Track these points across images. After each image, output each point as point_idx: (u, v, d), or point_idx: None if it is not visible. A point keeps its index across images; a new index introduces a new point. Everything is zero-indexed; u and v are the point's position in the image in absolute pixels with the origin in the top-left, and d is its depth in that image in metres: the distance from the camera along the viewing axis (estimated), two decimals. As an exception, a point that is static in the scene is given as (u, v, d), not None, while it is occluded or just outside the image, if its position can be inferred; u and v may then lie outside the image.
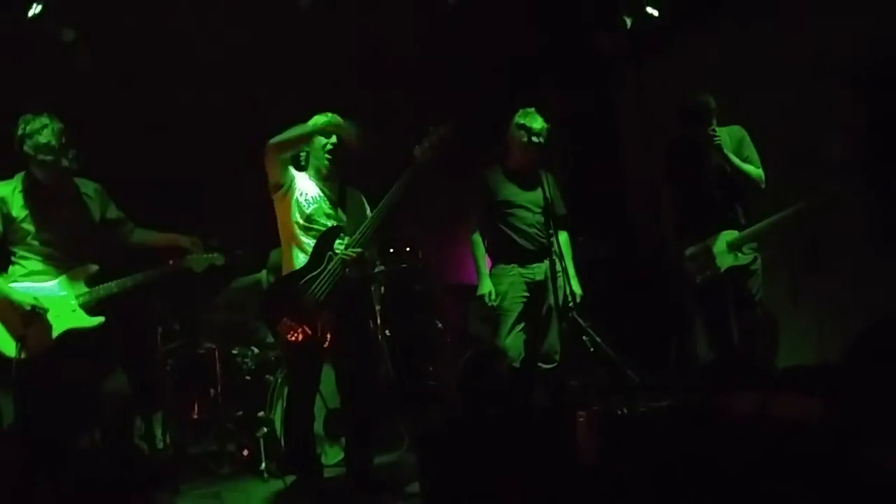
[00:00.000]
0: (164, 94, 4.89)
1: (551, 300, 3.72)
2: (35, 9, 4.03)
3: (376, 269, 4.92)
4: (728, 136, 3.74)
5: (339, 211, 3.28)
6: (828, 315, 4.04)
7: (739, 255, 3.65)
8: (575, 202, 4.14)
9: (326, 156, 3.24)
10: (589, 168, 5.69)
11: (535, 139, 3.67)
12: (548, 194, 3.62)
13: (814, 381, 2.32)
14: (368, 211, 3.41)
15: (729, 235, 3.67)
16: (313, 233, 3.18)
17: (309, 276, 3.07)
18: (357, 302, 3.39)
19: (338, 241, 3.16)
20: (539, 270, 3.80)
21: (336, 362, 3.36)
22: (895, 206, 4.00)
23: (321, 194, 3.25)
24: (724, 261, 3.66)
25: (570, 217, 4.03)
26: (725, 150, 3.63)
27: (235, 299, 4.66)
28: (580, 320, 4.43)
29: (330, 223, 3.21)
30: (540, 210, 3.77)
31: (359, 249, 3.13)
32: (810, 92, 4.31)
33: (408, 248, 5.99)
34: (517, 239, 3.80)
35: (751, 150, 3.74)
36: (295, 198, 3.20)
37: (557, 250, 3.70)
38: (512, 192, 3.83)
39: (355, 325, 3.31)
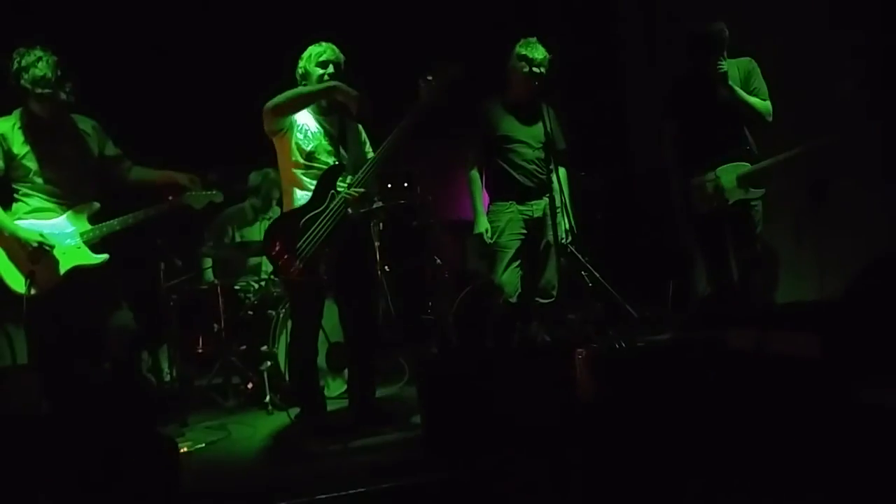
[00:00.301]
0: (157, 28, 4.77)
1: (549, 236, 3.72)
2: None
3: (375, 205, 4.92)
4: (737, 67, 3.65)
5: (340, 148, 3.24)
6: (829, 254, 4.03)
7: (750, 189, 3.60)
8: (576, 135, 4.08)
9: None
10: (591, 100, 5.63)
11: (536, 69, 3.59)
12: (548, 128, 3.57)
13: (813, 318, 2.36)
14: (368, 145, 3.38)
15: (740, 168, 3.61)
16: (314, 171, 3.15)
17: (311, 215, 3.06)
18: (358, 239, 3.39)
19: (340, 180, 3.14)
20: (538, 207, 3.78)
21: (338, 298, 3.40)
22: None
23: (321, 129, 3.20)
24: (734, 194, 3.60)
25: (571, 151, 3.98)
26: (730, 82, 3.56)
27: (222, 231, 4.68)
28: (578, 255, 4.48)
29: (331, 161, 3.17)
30: (540, 145, 3.73)
31: (361, 189, 3.12)
32: (818, 21, 4.20)
33: (405, 184, 5.97)
34: (516, 175, 3.75)
35: (759, 83, 3.64)
36: (295, 136, 3.16)
37: (557, 186, 3.68)
38: (511, 126, 3.76)
39: (357, 263, 3.33)
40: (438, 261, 5.49)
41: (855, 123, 3.77)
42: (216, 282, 4.34)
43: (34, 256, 3.01)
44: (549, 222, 3.73)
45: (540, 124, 3.62)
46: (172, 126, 4.77)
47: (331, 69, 3.16)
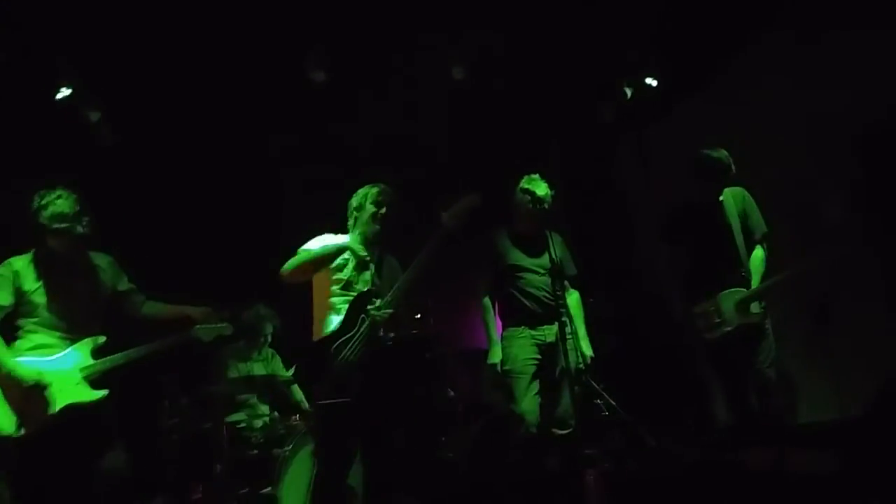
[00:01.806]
0: (177, 170, 5.03)
1: (563, 363, 3.64)
2: (64, 91, 4.26)
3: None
4: (731, 197, 3.75)
5: (377, 277, 3.33)
6: (842, 372, 3.95)
7: (749, 313, 3.60)
8: (584, 264, 4.13)
9: (376, 225, 3.34)
10: (597, 229, 5.73)
11: (539, 204, 3.70)
12: (554, 256, 3.61)
13: (831, 437, 2.23)
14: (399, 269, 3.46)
15: (737, 294, 3.62)
16: (350, 297, 3.23)
17: (341, 340, 3.10)
18: (389, 363, 3.33)
19: (370, 305, 3.19)
20: (550, 332, 3.75)
21: (365, 430, 3.26)
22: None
23: (359, 259, 3.31)
24: (735, 320, 3.60)
25: (581, 278, 4.01)
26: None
27: (224, 366, 4.65)
28: (593, 383, 4.36)
29: (366, 289, 3.26)
30: (547, 272, 3.76)
31: (390, 310, 3.17)
32: (810, 152, 4.37)
33: (419, 315, 5.96)
34: (526, 302, 3.78)
35: (756, 215, 3.75)
36: (335, 264, 3.27)
37: (567, 311, 3.67)
38: (519, 255, 3.84)
39: (386, 387, 3.26)
40: (452, 393, 5.37)
41: (848, 243, 3.81)
42: (220, 420, 4.21)
43: (28, 395, 2.96)
44: (562, 348, 3.67)
45: (546, 252, 3.68)
46: (176, 261, 4.86)
47: (384, 210, 3.35)
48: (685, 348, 5.05)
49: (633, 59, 5.21)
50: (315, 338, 3.26)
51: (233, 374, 4.66)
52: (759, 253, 3.71)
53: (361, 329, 3.11)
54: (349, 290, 3.25)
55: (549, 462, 3.74)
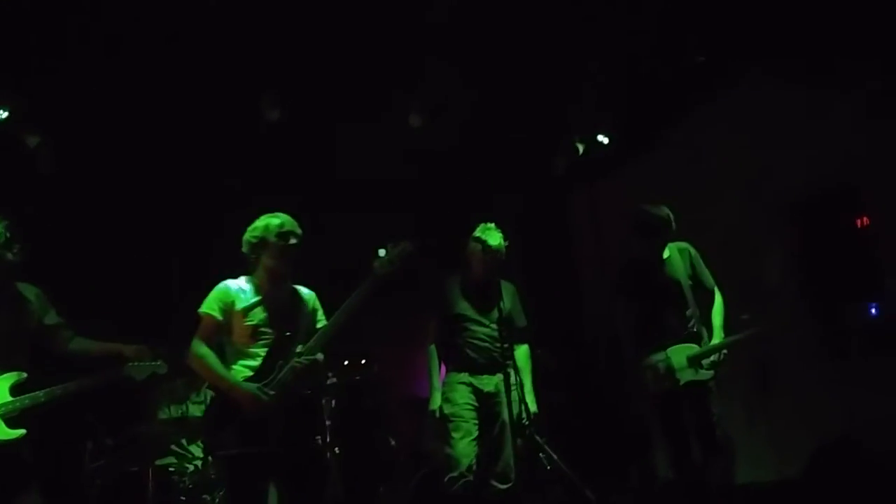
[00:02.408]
0: (115, 203, 4.89)
1: (505, 415, 3.60)
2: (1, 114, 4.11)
3: (329, 382, 4.78)
4: (678, 251, 3.83)
5: (289, 317, 3.15)
6: (780, 433, 4.02)
7: (700, 370, 3.62)
8: (533, 315, 4.13)
9: (283, 260, 3.10)
10: (546, 282, 5.78)
11: (490, 254, 3.71)
12: (503, 307, 3.60)
13: (770, 497, 2.24)
14: (321, 313, 3.31)
15: (689, 350, 3.65)
16: (261, 343, 3.04)
17: (258, 386, 2.88)
18: (307, 414, 3.21)
19: (290, 351, 2.99)
20: (490, 382, 3.72)
21: (281, 479, 3.13)
22: (834, 325, 4.13)
23: (269, 299, 3.10)
24: (685, 375, 3.61)
25: (531, 330, 4.00)
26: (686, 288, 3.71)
27: (156, 406, 4.46)
28: (537, 437, 4.33)
29: (279, 331, 3.07)
30: (494, 324, 3.74)
31: (312, 357, 2.98)
32: (749, 215, 4.53)
33: (363, 361, 5.86)
34: (469, 352, 3.75)
35: (703, 269, 3.82)
36: (239, 309, 3.04)
37: (514, 364, 3.65)
38: (466, 306, 3.82)
39: (304, 439, 3.13)
40: (393, 442, 5.25)
41: (792, 311, 3.93)
42: (147, 463, 4.01)
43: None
44: (504, 400, 3.63)
45: (496, 303, 3.67)
46: (110, 297, 4.68)
47: (293, 241, 3.11)
48: (631, 402, 5.08)
49: (586, 117, 5.37)
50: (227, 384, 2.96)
51: (165, 415, 4.46)
52: (718, 303, 3.75)
53: (279, 376, 2.92)
54: (259, 337, 3.02)
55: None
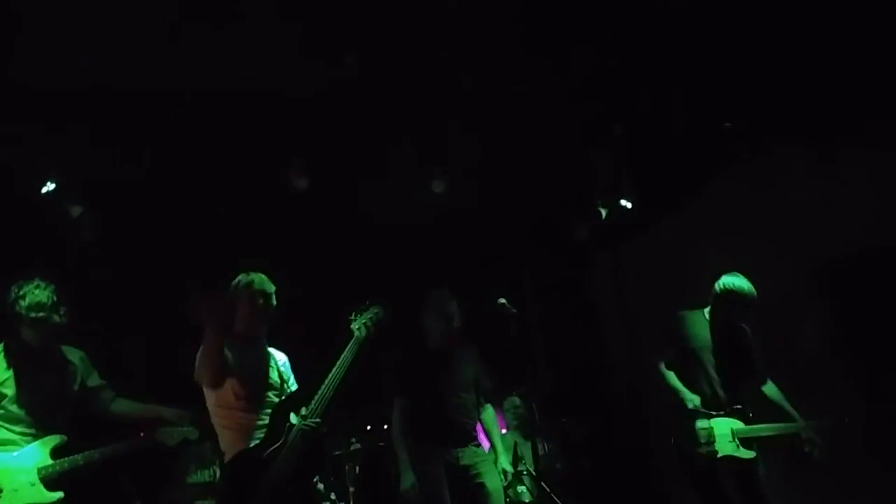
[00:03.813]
0: (155, 270, 5.01)
1: (496, 483, 3.63)
2: (49, 186, 4.32)
3: (352, 447, 4.77)
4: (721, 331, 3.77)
5: (274, 375, 3.14)
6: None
7: (741, 448, 3.57)
8: (559, 384, 4.15)
9: (258, 320, 3.13)
10: (572, 350, 5.78)
11: (451, 324, 3.77)
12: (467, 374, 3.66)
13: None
14: (289, 374, 3.26)
15: (734, 424, 3.62)
16: (262, 407, 3.01)
17: (271, 450, 2.86)
18: (311, 479, 3.23)
19: (297, 413, 2.97)
20: (464, 454, 3.69)
21: None
22: (875, 399, 4.05)
23: (252, 361, 3.09)
24: (725, 448, 3.57)
25: (556, 398, 4.02)
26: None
27: (185, 471, 4.48)
28: (549, 492, 4.25)
29: (269, 392, 3.08)
30: (462, 393, 3.76)
31: (318, 420, 2.95)
32: (780, 279, 4.49)
33: (385, 426, 5.83)
34: (436, 423, 3.70)
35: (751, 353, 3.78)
36: (239, 366, 3.01)
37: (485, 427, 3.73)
38: (431, 375, 3.79)
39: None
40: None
41: (840, 400, 3.87)
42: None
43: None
44: (482, 470, 3.64)
45: (463, 369, 3.75)
46: (148, 360, 4.76)
47: (271, 300, 3.13)
48: (660, 468, 5.00)
49: (609, 181, 5.43)
50: (231, 449, 2.97)
51: (193, 478, 4.48)
52: (773, 389, 3.72)
53: (289, 439, 2.88)
54: (253, 401, 2.99)
55: None
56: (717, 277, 3.76)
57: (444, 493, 3.55)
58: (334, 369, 3.03)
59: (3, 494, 2.90)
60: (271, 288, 3.16)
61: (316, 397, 2.99)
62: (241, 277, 3.17)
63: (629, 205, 5.48)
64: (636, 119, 4.74)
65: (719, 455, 3.55)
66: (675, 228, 5.50)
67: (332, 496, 4.54)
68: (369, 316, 3.20)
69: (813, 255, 4.42)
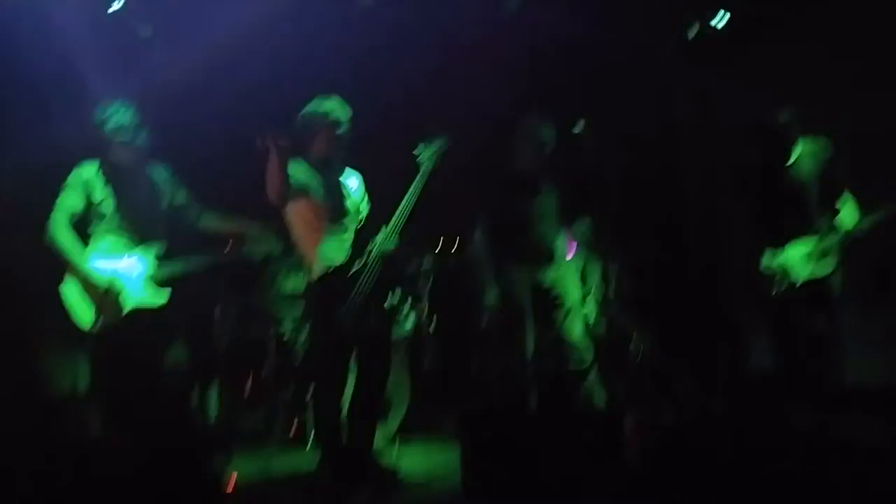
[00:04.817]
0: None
1: (570, 300, 3.73)
2: (117, 4, 4.30)
3: (424, 265, 5.01)
4: (811, 150, 3.62)
5: (351, 198, 3.32)
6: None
7: (816, 266, 3.54)
8: (631, 211, 4.13)
9: (335, 145, 3.25)
10: (650, 172, 5.66)
11: (541, 148, 3.72)
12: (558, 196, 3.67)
13: (881, 403, 2.24)
14: (363, 196, 3.43)
15: (807, 245, 3.57)
16: (341, 225, 3.22)
17: (354, 271, 3.10)
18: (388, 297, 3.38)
19: (377, 234, 3.20)
20: (548, 274, 3.81)
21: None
22: None
23: (328, 184, 3.27)
24: (801, 271, 3.56)
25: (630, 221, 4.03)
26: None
27: (271, 280, 4.78)
28: (627, 323, 4.45)
29: (346, 215, 3.26)
30: (546, 211, 3.82)
31: (394, 242, 3.16)
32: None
33: (456, 240, 6.04)
34: (528, 238, 3.80)
35: (832, 168, 3.60)
36: (313, 188, 3.20)
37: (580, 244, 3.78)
38: (522, 195, 3.84)
39: (382, 320, 3.31)
40: (486, 319, 5.48)
41: None
42: (266, 330, 4.43)
43: (103, 297, 3.19)
44: (564, 290, 3.74)
45: (551, 191, 3.76)
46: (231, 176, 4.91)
47: (346, 125, 3.25)
48: (731, 292, 5.05)
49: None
50: (315, 268, 3.18)
51: (281, 288, 4.84)
52: (849, 207, 3.58)
53: (369, 260, 3.10)
54: (337, 219, 3.21)
55: (579, 397, 3.88)
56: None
57: (525, 311, 3.72)
58: (405, 198, 3.20)
59: (122, 295, 3.24)
60: (347, 114, 3.26)
61: (391, 222, 3.18)
62: (317, 102, 3.27)
63: (719, 21, 5.04)
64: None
65: (797, 283, 3.55)
66: (764, 50, 5.02)
67: (406, 310, 4.80)
68: (435, 148, 3.29)
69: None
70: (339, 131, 3.25)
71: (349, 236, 3.25)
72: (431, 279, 5.12)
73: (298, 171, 3.19)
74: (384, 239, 3.15)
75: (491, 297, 3.78)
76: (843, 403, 3.08)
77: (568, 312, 3.75)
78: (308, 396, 4.10)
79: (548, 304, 3.78)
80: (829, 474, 2.19)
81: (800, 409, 2.75)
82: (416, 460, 3.84)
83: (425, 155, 3.29)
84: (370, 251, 3.13)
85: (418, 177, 3.24)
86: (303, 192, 3.15)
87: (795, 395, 3.45)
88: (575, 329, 3.73)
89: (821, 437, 2.20)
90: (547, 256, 3.80)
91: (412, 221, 3.20)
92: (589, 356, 3.77)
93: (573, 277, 3.87)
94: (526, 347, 3.70)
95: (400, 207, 3.20)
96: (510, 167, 3.91)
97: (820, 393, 3.43)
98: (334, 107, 3.26)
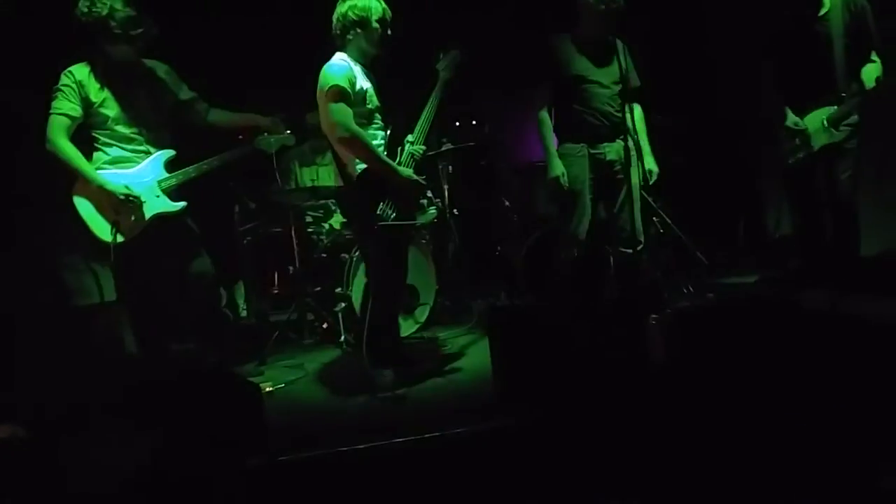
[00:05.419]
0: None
1: (634, 179, 3.54)
2: None
3: (443, 147, 4.89)
4: (841, 6, 3.40)
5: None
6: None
7: (835, 132, 3.45)
8: (656, 78, 3.89)
9: (378, 47, 3.17)
10: (671, 38, 5.35)
11: (613, 5, 3.42)
12: (623, 66, 3.43)
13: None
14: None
15: (826, 112, 3.46)
16: (376, 126, 3.17)
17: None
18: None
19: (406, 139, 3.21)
20: (611, 150, 3.63)
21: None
22: None
23: (373, 86, 3.17)
24: (819, 139, 3.48)
25: (652, 92, 3.80)
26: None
27: (289, 172, 4.75)
28: (650, 200, 4.36)
29: (378, 112, 3.20)
30: (614, 84, 3.58)
31: (423, 146, 3.20)
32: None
33: (474, 122, 5.89)
34: (588, 117, 3.60)
35: (867, 23, 3.40)
36: (358, 91, 3.07)
37: (631, 126, 3.52)
38: (584, 65, 3.58)
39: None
40: (507, 203, 5.45)
41: None
42: (289, 224, 4.32)
43: (118, 207, 3.09)
44: (626, 165, 3.57)
45: (614, 62, 3.45)
46: (234, 68, 4.70)
47: (389, 25, 3.18)
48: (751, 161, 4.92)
49: None
50: (352, 168, 3.10)
51: (298, 179, 4.77)
52: (870, 67, 3.40)
53: (401, 160, 3.13)
54: (373, 121, 3.16)
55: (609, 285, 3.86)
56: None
57: (584, 189, 3.61)
58: (427, 105, 3.24)
59: (140, 203, 3.13)
60: (389, 13, 3.17)
61: (416, 128, 3.21)
62: (370, 2, 3.11)
63: None
64: None
65: (815, 149, 3.50)
66: None
67: (429, 194, 4.75)
68: (451, 58, 3.35)
69: None
70: (383, 29, 3.15)
71: (384, 136, 3.21)
72: (450, 161, 5.03)
73: (358, 76, 3.10)
74: (414, 141, 3.19)
75: (556, 168, 3.60)
76: (864, 277, 3.06)
77: (629, 192, 3.55)
78: (348, 289, 4.10)
79: (610, 183, 3.66)
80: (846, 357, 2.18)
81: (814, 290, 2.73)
82: (445, 350, 3.90)
83: (442, 64, 3.35)
84: (400, 151, 3.18)
85: (437, 85, 3.28)
86: (364, 96, 3.09)
87: (815, 271, 3.42)
88: (636, 209, 3.62)
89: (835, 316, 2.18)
90: (614, 130, 3.63)
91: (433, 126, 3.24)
92: (641, 237, 3.67)
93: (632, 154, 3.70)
94: (580, 226, 3.61)
95: (423, 115, 3.22)
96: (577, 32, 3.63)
97: (840, 265, 3.41)
98: (378, 5, 3.14)
